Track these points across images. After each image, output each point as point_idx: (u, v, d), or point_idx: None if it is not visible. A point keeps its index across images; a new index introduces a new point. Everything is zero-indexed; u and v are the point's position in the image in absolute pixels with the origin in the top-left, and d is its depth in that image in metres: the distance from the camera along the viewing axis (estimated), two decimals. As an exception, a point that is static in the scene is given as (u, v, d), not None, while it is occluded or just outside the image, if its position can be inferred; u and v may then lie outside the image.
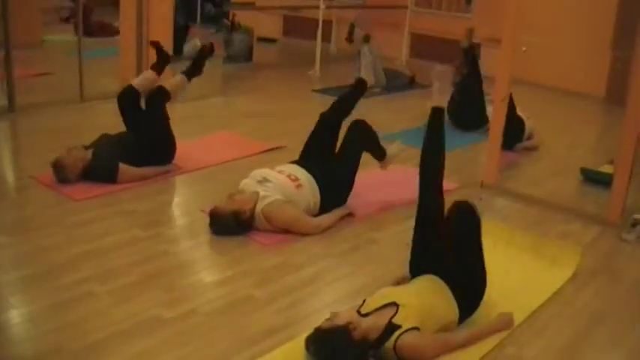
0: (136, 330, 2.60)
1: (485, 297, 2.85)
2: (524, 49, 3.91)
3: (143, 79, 4.46)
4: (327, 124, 3.91)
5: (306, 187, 3.62)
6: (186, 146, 4.51)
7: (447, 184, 4.30)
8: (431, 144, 2.90)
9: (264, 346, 2.52)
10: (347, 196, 3.84)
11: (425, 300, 2.57)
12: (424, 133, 2.95)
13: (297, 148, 3.93)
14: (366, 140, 3.93)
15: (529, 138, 5.27)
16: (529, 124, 5.22)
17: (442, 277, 2.68)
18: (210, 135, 5.23)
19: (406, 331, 2.40)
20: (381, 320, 2.44)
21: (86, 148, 4.11)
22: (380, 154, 4.06)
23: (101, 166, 4.01)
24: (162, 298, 2.82)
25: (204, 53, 4.58)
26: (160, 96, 4.23)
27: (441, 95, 3.07)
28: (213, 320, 2.69)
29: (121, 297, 2.83)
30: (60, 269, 3.01)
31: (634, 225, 3.74)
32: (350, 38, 7.30)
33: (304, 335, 2.50)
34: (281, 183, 3.58)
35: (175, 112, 4.30)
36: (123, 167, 4.03)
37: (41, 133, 4.95)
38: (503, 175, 4.49)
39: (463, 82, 5.52)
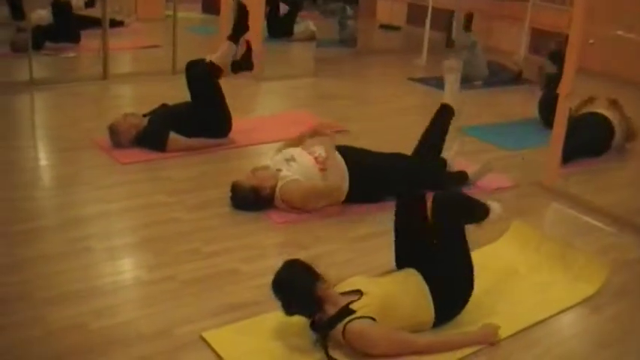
0: (112, 287, 2.68)
1: (487, 302, 2.66)
2: (591, 41, 3.52)
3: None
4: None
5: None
6: (249, 121, 4.55)
7: (502, 180, 4.03)
8: (428, 138, 2.72)
9: (223, 320, 2.49)
10: (385, 194, 3.63)
11: (391, 293, 2.42)
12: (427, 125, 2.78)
13: (361, 133, 3.84)
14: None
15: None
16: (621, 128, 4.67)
17: (425, 273, 2.51)
18: (281, 113, 5.24)
19: (359, 317, 2.27)
20: (339, 302, 2.33)
21: (144, 115, 4.29)
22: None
23: (152, 134, 4.16)
24: (149, 262, 2.89)
25: (243, 11, 4.50)
26: (208, 71, 4.25)
27: (452, 92, 2.86)
28: (186, 288, 2.70)
29: (114, 255, 2.94)
30: (70, 225, 3.17)
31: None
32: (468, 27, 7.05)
33: (268, 314, 2.49)
34: (305, 165, 3.50)
35: (261, 87, 4.34)
36: (173, 136, 4.16)
37: (122, 99, 5.22)
38: (570, 179, 4.08)
39: (551, 78, 5.07)
